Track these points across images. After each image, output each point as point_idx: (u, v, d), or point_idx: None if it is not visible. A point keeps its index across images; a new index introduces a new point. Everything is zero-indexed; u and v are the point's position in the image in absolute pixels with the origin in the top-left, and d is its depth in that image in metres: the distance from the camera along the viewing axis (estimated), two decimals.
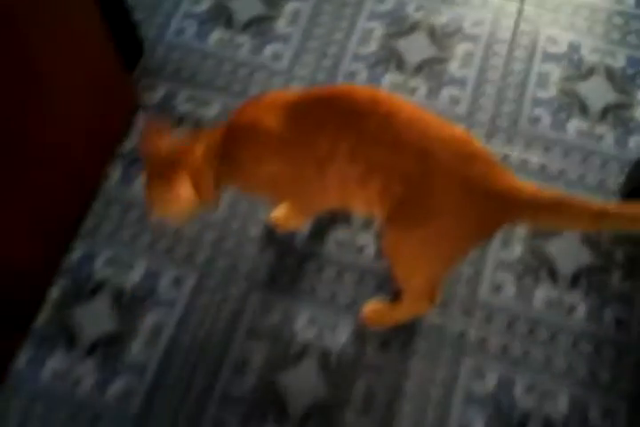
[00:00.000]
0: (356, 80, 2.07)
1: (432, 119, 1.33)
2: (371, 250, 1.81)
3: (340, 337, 1.72)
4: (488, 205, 1.31)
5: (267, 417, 1.63)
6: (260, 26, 2.16)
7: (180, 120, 1.99)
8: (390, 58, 2.12)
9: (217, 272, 1.79)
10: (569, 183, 1.94)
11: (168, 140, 1.44)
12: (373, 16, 2.18)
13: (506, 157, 1.97)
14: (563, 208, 1.29)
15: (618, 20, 2.22)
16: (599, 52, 2.15)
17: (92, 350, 1.71)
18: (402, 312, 1.67)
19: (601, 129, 2.03)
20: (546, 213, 1.31)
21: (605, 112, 2.05)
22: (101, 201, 1.88)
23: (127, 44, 1.98)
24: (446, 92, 2.07)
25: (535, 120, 2.03)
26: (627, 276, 1.83)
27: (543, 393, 1.68)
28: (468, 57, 2.13)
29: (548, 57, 2.14)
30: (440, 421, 1.65)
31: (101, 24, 1.73)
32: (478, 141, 1.32)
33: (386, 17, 2.18)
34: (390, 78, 2.08)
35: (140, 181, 1.92)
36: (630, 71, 2.12)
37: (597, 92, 2.08)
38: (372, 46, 2.14)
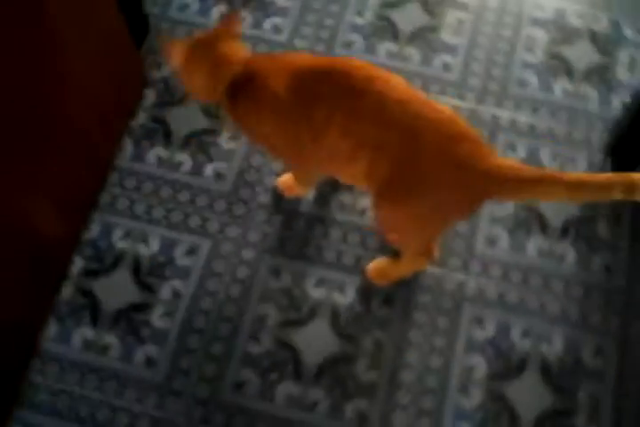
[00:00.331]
0: (353, 50, 2.08)
1: (423, 100, 1.35)
2: (372, 212, 1.84)
3: (348, 295, 1.76)
4: (473, 182, 1.34)
5: (284, 373, 1.68)
6: (259, 0, 2.16)
7: (186, 94, 1.99)
8: (385, 28, 2.12)
9: (229, 239, 1.82)
10: (557, 141, 1.97)
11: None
12: None
13: (496, 118, 1.99)
14: (542, 184, 1.32)
15: None
16: (583, 16, 2.16)
17: (115, 320, 1.73)
18: (403, 268, 1.71)
19: (586, 89, 2.05)
20: (527, 189, 1.34)
21: (589, 73, 2.07)
22: (116, 175, 1.90)
23: (134, 21, 1.98)
24: (439, 59, 2.08)
25: (524, 83, 2.05)
26: (612, 224, 1.86)
27: (539, 336, 1.73)
28: (459, 25, 2.13)
29: (535, 22, 2.15)
30: (444, 367, 1.70)
31: (111, 2, 1.74)
32: (465, 123, 1.35)
33: None
34: (386, 47, 2.10)
35: (152, 154, 1.93)
36: (613, 34, 2.13)
37: (582, 55, 2.10)
38: (368, 17, 2.14)
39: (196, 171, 1.90)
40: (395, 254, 1.79)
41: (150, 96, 1.99)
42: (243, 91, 1.46)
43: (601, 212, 1.88)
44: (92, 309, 1.74)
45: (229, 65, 1.46)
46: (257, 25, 2.13)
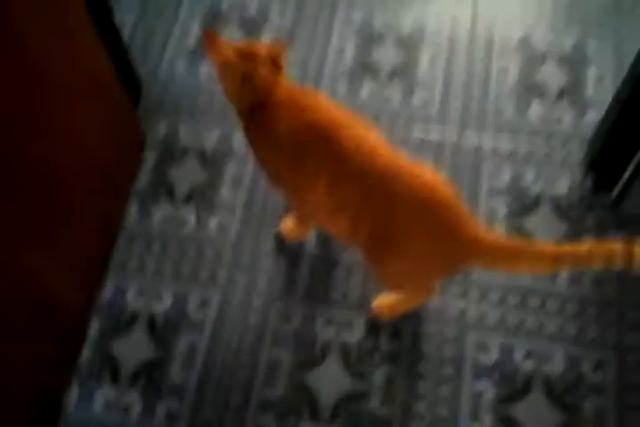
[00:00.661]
0: (337, 93, 2.09)
1: (407, 167, 1.37)
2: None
3: (356, 332, 1.77)
4: (450, 251, 1.36)
5: (302, 415, 1.68)
6: None
7: (184, 153, 2.02)
8: (364, 70, 2.14)
9: (238, 288, 1.84)
10: (538, 163, 1.97)
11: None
12: (345, 34, 2.20)
13: (478, 148, 1.99)
14: (519, 258, 1.33)
15: (561, 11, 2.23)
16: (549, 40, 2.17)
17: (135, 378, 1.74)
18: (406, 303, 1.72)
19: (559, 110, 2.05)
20: (504, 261, 1.35)
21: (561, 94, 2.07)
22: (125, 237, 1.92)
23: (127, 84, 2.02)
24: (418, 96, 2.10)
25: (500, 111, 2.05)
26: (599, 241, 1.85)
27: (540, 356, 1.73)
28: (434, 61, 2.15)
29: (505, 52, 2.16)
30: (454, 395, 1.70)
31: (109, 66, 1.78)
32: (450, 189, 1.36)
33: (355, 32, 2.20)
34: (367, 88, 2.11)
35: (157, 213, 1.96)
36: (577, 53, 2.14)
37: (552, 77, 2.11)
38: (347, 61, 2.16)
39: (201, 224, 1.92)
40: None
41: (150, 157, 2.03)
42: (257, 115, 1.48)
43: (586, 227, 1.87)
44: (111, 369, 1.76)
45: (257, 87, 1.46)
46: None
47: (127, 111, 1.92)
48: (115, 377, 1.74)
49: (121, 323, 1.81)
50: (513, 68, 2.13)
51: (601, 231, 1.87)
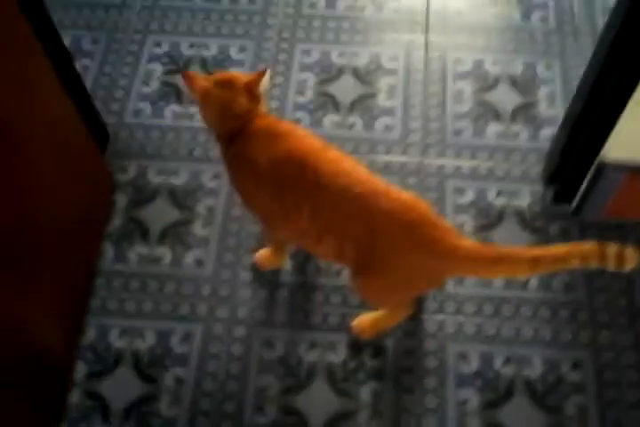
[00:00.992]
0: (301, 124, 2.20)
1: (384, 191, 1.46)
2: (347, 271, 1.92)
3: (340, 353, 1.82)
4: (432, 264, 1.45)
5: None
6: None
7: (154, 193, 2.10)
8: (326, 102, 2.25)
9: (219, 320, 1.89)
10: (499, 179, 2.08)
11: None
12: (304, 68, 2.31)
13: (441, 168, 2.10)
14: (499, 263, 1.41)
15: (509, 34, 2.37)
16: (500, 63, 2.31)
17: (126, 416, 1.76)
18: (385, 321, 1.79)
19: (515, 128, 2.17)
20: (487, 268, 1.43)
21: (515, 114, 2.20)
22: (102, 279, 1.96)
23: (93, 129, 2.08)
24: (379, 123, 2.21)
25: (459, 132, 2.17)
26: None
27: (519, 361, 1.80)
28: (391, 89, 2.27)
29: (459, 76, 2.29)
30: (440, 405, 1.76)
31: (74, 112, 1.84)
32: (425, 206, 1.45)
33: (314, 67, 2.31)
34: (330, 119, 2.22)
35: (132, 253, 2.01)
36: (527, 75, 2.28)
37: (505, 98, 2.23)
38: (308, 95, 2.27)
39: (177, 261, 1.98)
40: (376, 308, 1.86)
41: (121, 199, 2.09)
42: (236, 143, 1.55)
43: (550, 236, 1.98)
44: (101, 409, 1.78)
45: (236, 115, 1.54)
46: None
47: (94, 156, 1.99)
48: (105, 417, 1.76)
49: (106, 363, 1.83)
50: (467, 90, 2.27)
51: (564, 240, 1.97)
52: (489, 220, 2.02)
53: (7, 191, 1.50)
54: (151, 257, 1.99)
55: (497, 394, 1.76)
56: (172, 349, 1.85)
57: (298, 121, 2.22)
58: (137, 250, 2.00)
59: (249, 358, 1.83)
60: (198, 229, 2.03)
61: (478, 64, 2.32)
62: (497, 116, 2.21)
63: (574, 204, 2.00)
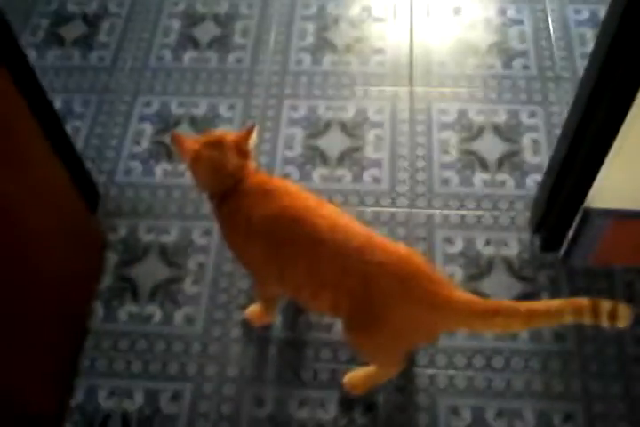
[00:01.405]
0: (290, 178, 2.22)
1: (380, 244, 1.47)
2: (338, 325, 1.91)
3: (330, 410, 1.80)
4: (427, 317, 1.45)
5: None
6: None
7: (145, 251, 2.11)
8: (314, 155, 2.28)
9: (209, 379, 1.87)
10: (486, 228, 2.09)
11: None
12: (292, 123, 2.35)
13: (430, 217, 2.11)
14: (494, 316, 1.41)
15: (492, 83, 2.41)
16: (483, 112, 2.34)
17: None
18: (376, 377, 1.77)
19: (501, 176, 2.19)
20: (480, 321, 1.43)
21: (501, 162, 2.22)
22: (91, 337, 1.96)
23: (84, 190, 2.10)
24: (368, 175, 2.23)
25: (446, 181, 2.19)
26: (553, 296, 1.95)
27: (511, 414, 1.78)
28: (378, 141, 2.30)
29: (444, 126, 2.31)
30: None
31: (64, 174, 1.87)
32: (421, 258, 1.46)
33: (302, 122, 2.35)
34: (319, 173, 2.24)
35: (122, 312, 2.01)
36: (511, 123, 2.30)
37: (491, 146, 2.26)
38: (297, 149, 2.30)
39: (167, 319, 1.99)
40: (367, 363, 1.85)
41: (112, 258, 2.11)
42: (229, 200, 1.57)
43: (541, 284, 1.97)
44: None
45: (228, 175, 1.55)
46: None
47: (85, 216, 2.02)
48: None
49: (94, 425, 1.82)
50: (453, 140, 2.29)
51: (553, 289, 1.96)
52: (478, 269, 2.01)
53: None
54: (141, 315, 1.99)
55: None
56: (160, 409, 1.84)
57: (287, 175, 2.24)
58: (127, 309, 2.01)
59: (239, 416, 1.82)
60: (188, 286, 2.04)
61: (462, 113, 2.35)
62: (483, 164, 2.22)
63: (562, 251, 2.00)
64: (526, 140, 2.27)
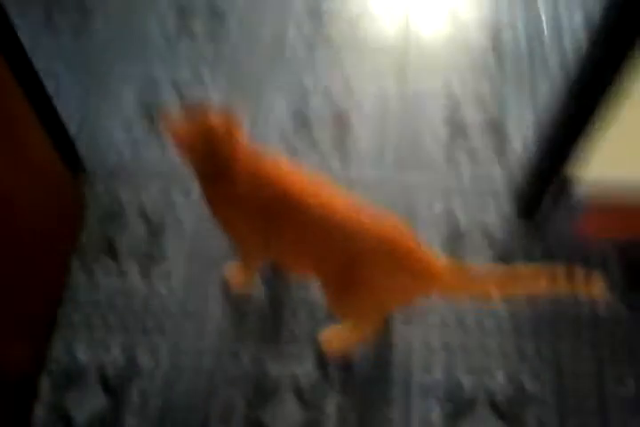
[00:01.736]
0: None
1: (365, 214, 1.49)
2: (315, 285, 1.92)
3: (307, 365, 1.83)
4: (410, 284, 1.49)
5: None
6: None
7: (124, 209, 2.12)
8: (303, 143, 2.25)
9: (187, 335, 1.89)
10: (466, 192, 2.12)
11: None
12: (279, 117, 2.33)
13: (410, 180, 2.14)
14: (473, 284, 1.47)
15: (480, 60, 2.42)
16: (467, 87, 2.35)
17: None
18: (352, 337, 1.80)
19: (482, 147, 2.22)
20: (460, 289, 1.49)
21: (483, 129, 2.24)
22: (70, 293, 1.96)
23: (63, 148, 2.08)
24: (356, 159, 2.22)
25: (428, 146, 2.21)
26: (527, 263, 1.99)
27: (481, 372, 1.83)
28: (366, 125, 2.29)
29: (430, 103, 2.32)
30: (405, 418, 1.77)
31: (43, 132, 1.86)
32: (405, 228, 1.48)
33: (291, 116, 2.34)
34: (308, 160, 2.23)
35: (100, 271, 2.01)
36: (496, 97, 2.31)
37: (474, 117, 2.27)
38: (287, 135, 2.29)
39: (145, 277, 1.99)
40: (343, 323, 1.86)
41: (91, 217, 2.10)
42: (221, 179, 1.55)
43: (513, 250, 2.01)
44: (65, 423, 1.77)
45: (219, 160, 1.53)
46: None
47: (64, 174, 2.00)
48: None
49: (72, 378, 1.83)
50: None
51: (528, 254, 2.00)
52: (455, 233, 2.05)
53: None
54: (119, 272, 1.99)
55: (458, 404, 1.78)
56: (138, 363, 1.85)
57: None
58: (105, 266, 2.01)
59: (215, 371, 1.83)
60: (168, 244, 2.04)
61: (447, 86, 2.35)
62: (463, 133, 2.25)
63: (539, 219, 2.03)
64: (510, 109, 2.29)
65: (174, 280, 1.98)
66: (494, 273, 1.46)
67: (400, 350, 1.85)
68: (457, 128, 2.26)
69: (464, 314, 1.91)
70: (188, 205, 2.12)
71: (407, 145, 2.23)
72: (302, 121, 2.29)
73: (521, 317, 1.91)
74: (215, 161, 1.54)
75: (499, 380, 1.81)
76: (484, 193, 2.13)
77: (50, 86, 2.01)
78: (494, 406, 1.78)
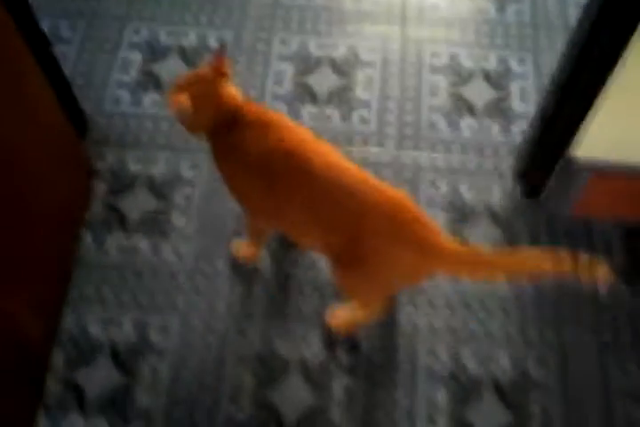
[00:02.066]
0: None
1: (374, 185, 1.49)
2: (322, 264, 1.95)
3: (315, 347, 1.85)
4: (415, 260, 1.48)
5: None
6: None
7: (133, 181, 2.11)
8: (304, 93, 2.26)
9: (198, 313, 1.91)
10: (471, 173, 2.12)
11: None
12: (282, 58, 2.32)
13: (416, 161, 2.13)
14: (478, 265, 1.46)
15: (484, 28, 2.39)
16: (474, 57, 2.33)
17: (101, 405, 1.79)
18: (358, 317, 1.81)
19: (488, 123, 2.20)
20: (464, 268, 1.49)
21: (488, 108, 2.23)
22: (81, 267, 1.97)
23: (72, 116, 2.07)
24: (356, 115, 2.22)
25: (434, 125, 2.20)
26: (532, 244, 2.00)
27: (486, 356, 1.85)
28: (368, 81, 2.28)
29: (434, 69, 2.31)
30: (410, 399, 1.80)
31: (54, 99, 1.85)
32: (414, 204, 1.48)
33: (293, 57, 2.32)
34: (307, 110, 2.23)
35: (110, 243, 2.02)
36: (501, 68, 2.30)
37: (479, 92, 2.26)
38: (286, 86, 2.28)
39: (155, 251, 2.00)
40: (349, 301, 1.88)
41: (100, 188, 2.10)
42: (225, 133, 1.56)
43: (518, 230, 2.02)
44: (77, 397, 1.80)
45: (222, 103, 1.54)
46: None
47: (73, 142, 1.99)
48: (81, 405, 1.79)
49: (84, 352, 1.85)
50: (442, 84, 2.29)
51: (533, 235, 2.01)
52: (460, 214, 2.05)
53: None
54: (129, 246, 2.00)
55: (464, 388, 1.81)
56: (149, 340, 1.87)
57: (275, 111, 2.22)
58: (115, 238, 2.01)
59: (224, 349, 1.85)
60: (177, 219, 2.05)
61: (454, 58, 2.33)
62: (470, 109, 2.23)
63: (543, 199, 2.04)
64: (514, 87, 2.28)
65: (184, 255, 1.99)
66: (498, 254, 1.47)
67: (406, 333, 1.88)
68: (462, 103, 2.24)
69: (469, 298, 1.93)
70: (197, 179, 2.11)
71: (410, 119, 2.22)
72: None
73: (526, 301, 1.93)
74: (214, 104, 1.53)
75: (503, 364, 1.84)
76: (487, 169, 2.12)
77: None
78: (499, 390, 1.81)
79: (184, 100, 1.49)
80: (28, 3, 1.82)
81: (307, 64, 2.32)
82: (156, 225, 2.04)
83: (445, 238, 1.48)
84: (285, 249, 1.99)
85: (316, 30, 2.39)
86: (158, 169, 2.13)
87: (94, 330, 1.89)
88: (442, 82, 2.29)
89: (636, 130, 1.73)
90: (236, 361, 1.84)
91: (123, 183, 2.11)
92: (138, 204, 2.07)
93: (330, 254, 1.59)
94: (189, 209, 2.06)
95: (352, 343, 1.86)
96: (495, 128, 2.20)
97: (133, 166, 2.13)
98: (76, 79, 2.29)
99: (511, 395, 1.80)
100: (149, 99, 2.26)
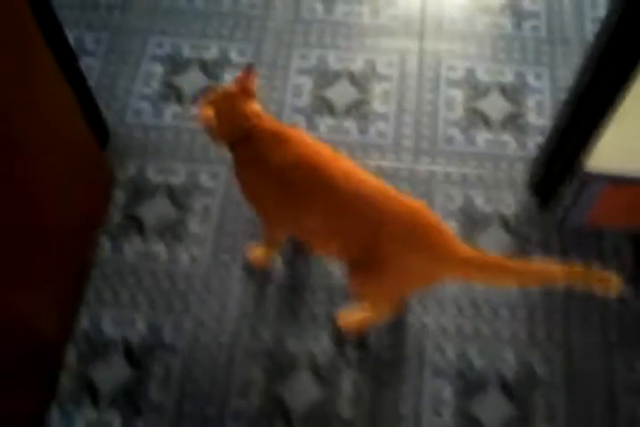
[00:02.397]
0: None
1: (394, 196, 1.53)
2: (333, 266, 1.98)
3: (324, 343, 1.88)
4: (431, 266, 1.52)
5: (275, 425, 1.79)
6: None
7: (153, 190, 2.14)
8: (322, 106, 2.29)
9: (210, 312, 1.94)
10: (486, 186, 2.13)
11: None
12: (301, 72, 2.35)
13: (432, 174, 2.15)
14: (493, 271, 1.49)
15: (501, 43, 2.41)
16: (491, 71, 2.34)
17: (114, 399, 1.83)
18: (369, 319, 1.84)
19: (504, 137, 2.21)
20: (479, 274, 1.52)
21: (505, 122, 2.24)
22: (98, 271, 2.01)
23: (95, 126, 2.11)
24: (373, 128, 2.25)
25: (450, 138, 2.21)
26: (545, 256, 2.01)
27: (494, 356, 1.87)
28: (386, 94, 2.31)
29: (451, 83, 2.32)
30: (417, 395, 1.82)
31: (78, 109, 1.89)
32: (431, 212, 1.52)
33: (311, 71, 2.35)
34: (325, 123, 2.26)
35: (128, 249, 2.05)
36: (518, 84, 2.32)
37: (496, 106, 2.27)
38: (306, 98, 2.31)
39: (172, 258, 2.02)
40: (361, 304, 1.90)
41: (120, 196, 2.13)
42: (246, 145, 1.63)
43: (532, 242, 2.03)
44: (90, 392, 1.83)
45: (243, 119, 1.61)
46: None
47: (95, 152, 2.03)
48: (94, 400, 1.82)
49: (98, 349, 1.89)
50: (459, 98, 2.30)
51: (546, 247, 2.02)
52: (475, 226, 2.06)
53: (7, 184, 1.54)
54: (147, 252, 2.03)
55: (469, 383, 1.81)
56: (163, 339, 1.90)
57: (295, 124, 2.25)
58: (133, 245, 2.05)
59: (236, 347, 1.88)
60: (195, 226, 2.08)
61: (470, 72, 2.35)
62: (486, 123, 2.25)
63: (557, 212, 2.05)
64: (530, 101, 2.29)
65: (201, 262, 2.01)
66: (511, 263, 1.48)
67: (414, 331, 1.90)
68: (479, 117, 2.26)
69: (477, 297, 1.94)
70: (216, 189, 2.14)
71: (427, 133, 2.23)
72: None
73: (534, 301, 1.94)
74: (236, 119, 1.60)
75: (509, 362, 1.85)
76: (502, 183, 2.13)
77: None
78: (505, 387, 1.82)
79: (209, 113, 1.58)
80: (58, 19, 1.86)
81: (325, 77, 2.35)
82: (172, 231, 2.06)
83: (460, 244, 1.50)
84: (298, 252, 2.02)
85: (335, 44, 2.42)
86: (178, 179, 2.16)
87: (108, 329, 1.92)
88: (458, 96, 2.31)
89: None
90: (246, 358, 1.87)
91: (142, 192, 2.14)
92: (157, 212, 2.10)
93: (346, 259, 1.63)
94: (207, 217, 2.09)
95: (360, 340, 1.88)
96: (511, 142, 2.21)
97: (153, 176, 2.17)
98: (100, 90, 2.33)
99: (516, 391, 1.82)
100: (170, 111, 2.30)
